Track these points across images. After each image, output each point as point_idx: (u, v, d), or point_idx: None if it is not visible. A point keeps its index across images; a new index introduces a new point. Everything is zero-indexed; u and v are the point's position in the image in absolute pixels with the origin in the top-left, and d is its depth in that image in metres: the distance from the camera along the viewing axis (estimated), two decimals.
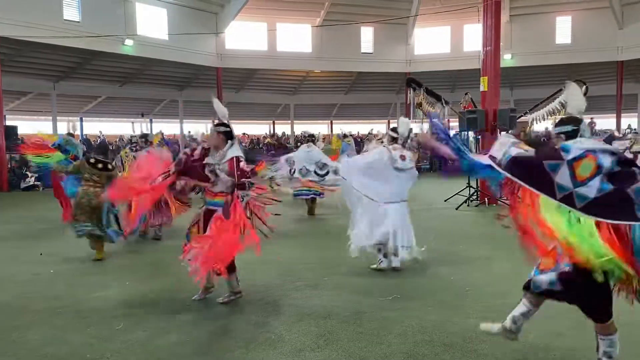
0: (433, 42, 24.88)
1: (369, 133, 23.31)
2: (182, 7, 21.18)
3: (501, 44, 12.24)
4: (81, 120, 24.70)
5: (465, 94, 14.48)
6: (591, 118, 26.40)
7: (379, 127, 26.42)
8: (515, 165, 3.09)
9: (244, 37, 23.46)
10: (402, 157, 5.85)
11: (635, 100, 24.23)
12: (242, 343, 3.79)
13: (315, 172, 9.56)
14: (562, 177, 2.99)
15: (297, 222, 9.49)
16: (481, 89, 12.00)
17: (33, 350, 3.72)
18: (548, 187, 3.00)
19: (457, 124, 13.67)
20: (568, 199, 2.96)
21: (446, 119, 24.74)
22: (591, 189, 2.93)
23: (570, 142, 3.13)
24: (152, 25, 20.34)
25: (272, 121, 29.82)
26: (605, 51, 21.62)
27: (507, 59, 21.15)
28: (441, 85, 21.07)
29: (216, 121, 4.79)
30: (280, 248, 6.95)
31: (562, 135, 3.26)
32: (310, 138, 10.75)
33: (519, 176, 3.08)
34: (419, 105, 11.94)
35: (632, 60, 21.73)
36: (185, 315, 4.42)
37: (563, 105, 12.26)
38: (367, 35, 24.72)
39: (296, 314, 4.36)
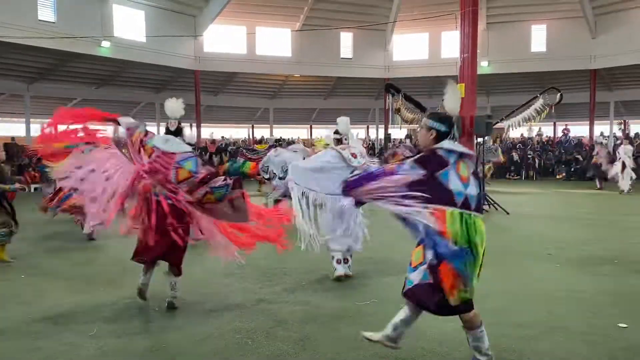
0: (411, 48, 25.12)
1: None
2: (160, 9, 20.99)
3: (478, 51, 12.38)
4: None
5: (443, 100, 14.65)
6: (565, 124, 26.99)
7: (359, 132, 26.53)
8: (410, 187, 3.06)
9: (222, 40, 23.37)
10: (354, 155, 5.81)
11: (608, 107, 24.77)
12: (219, 349, 3.75)
13: (279, 177, 9.67)
14: (454, 182, 3.05)
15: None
16: None
17: (4, 358, 3.63)
18: (447, 198, 3.02)
19: None
20: (465, 204, 3.03)
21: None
22: (473, 188, 3.08)
23: (445, 143, 3.14)
24: (129, 27, 20.12)
25: (251, 125, 29.72)
26: (579, 59, 22.09)
27: (484, 66, 21.44)
28: (419, 91, 21.26)
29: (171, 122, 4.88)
30: (258, 252, 6.92)
31: (433, 132, 3.23)
32: (278, 143, 10.83)
33: (422, 199, 3.03)
34: (398, 110, 12.04)
35: (605, 68, 22.23)
36: (160, 321, 4.36)
37: (538, 112, 12.52)
38: (346, 41, 24.84)
39: (274, 320, 4.33)
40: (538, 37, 23.22)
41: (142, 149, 4.66)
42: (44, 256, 6.99)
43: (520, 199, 13.76)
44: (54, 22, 17.68)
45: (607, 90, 24.11)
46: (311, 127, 30.54)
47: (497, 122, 12.56)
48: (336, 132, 6.10)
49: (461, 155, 3.14)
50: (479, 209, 3.07)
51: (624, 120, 26.07)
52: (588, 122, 23.18)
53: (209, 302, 4.84)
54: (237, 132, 29.45)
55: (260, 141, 24.14)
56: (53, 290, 5.28)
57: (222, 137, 26.16)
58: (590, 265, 6.20)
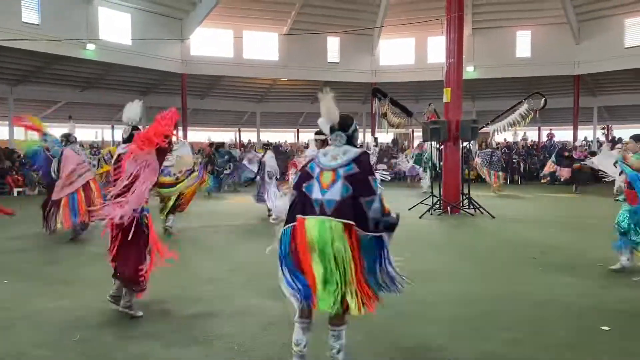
0: (398, 53, 25.24)
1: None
2: (146, 12, 20.88)
3: (464, 56, 12.49)
4: None
5: (429, 104, 14.73)
6: (550, 129, 27.29)
7: None
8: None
9: (209, 43, 23.30)
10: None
11: (591, 113, 25.10)
12: (205, 354, 3.72)
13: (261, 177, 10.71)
14: (315, 191, 3.25)
15: (260, 227, 9.42)
16: (444, 100, 12.21)
17: None
18: (309, 208, 3.23)
19: (421, 134, 13.87)
20: (322, 209, 3.19)
21: (410, 129, 25.25)
22: (334, 193, 3.21)
23: (320, 154, 3.42)
24: (115, 29, 19.98)
25: (238, 129, 29.65)
26: (563, 65, 22.37)
27: (469, 71, 21.63)
28: (405, 96, 21.38)
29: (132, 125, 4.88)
30: (245, 253, 6.90)
31: (319, 140, 3.59)
32: (267, 146, 12.13)
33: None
34: (384, 115, 12.08)
35: (588, 74, 22.54)
36: (145, 326, 4.31)
37: (523, 117, 12.63)
38: (333, 45, 24.90)
39: (260, 324, 4.31)
40: (523, 42, 23.48)
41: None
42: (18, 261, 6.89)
43: (506, 202, 13.87)
44: (38, 25, 17.50)
45: (591, 95, 24.44)
46: (298, 131, 30.53)
47: (483, 127, 12.66)
48: (319, 133, 5.94)
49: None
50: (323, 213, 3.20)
51: (607, 125, 26.46)
52: (572, 127, 23.47)
53: (194, 307, 4.80)
54: (221, 136, 29.37)
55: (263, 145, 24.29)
56: (35, 296, 5.20)
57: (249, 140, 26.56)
58: (574, 268, 6.26)
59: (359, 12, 23.42)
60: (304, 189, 3.29)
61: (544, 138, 27.58)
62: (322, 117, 3.56)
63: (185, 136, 22.34)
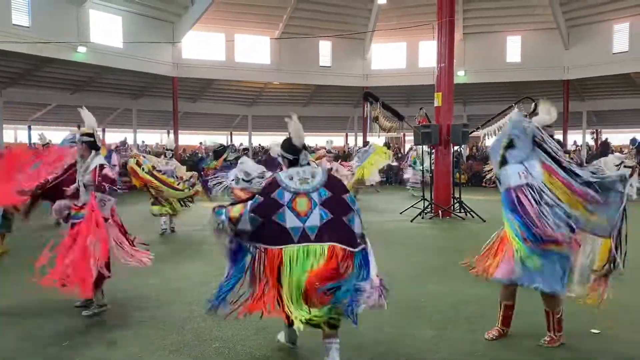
0: (389, 57, 25.32)
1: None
2: (138, 15, 20.81)
3: (455, 61, 12.57)
4: (29, 128, 23.88)
5: (420, 108, 14.78)
6: None
7: (338, 140, 26.64)
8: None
9: (201, 47, 23.25)
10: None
11: (580, 117, 25.31)
12: (196, 357, 3.72)
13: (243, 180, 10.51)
14: (290, 219, 3.25)
15: None
16: (435, 104, 12.28)
17: None
18: (286, 236, 3.24)
19: (412, 137, 13.93)
20: (304, 236, 3.22)
21: (402, 133, 25.32)
22: (314, 219, 3.25)
23: (283, 177, 3.42)
24: (106, 32, 19.88)
25: (229, 132, 29.61)
26: (553, 70, 22.55)
27: (460, 76, 21.74)
28: (397, 100, 21.45)
29: (83, 130, 4.91)
30: None
31: (285, 160, 3.62)
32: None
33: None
34: (376, 119, 12.11)
35: (577, 79, 22.73)
36: (136, 329, 4.29)
37: None
38: (325, 49, 24.93)
39: (252, 327, 4.30)
40: (513, 47, 23.63)
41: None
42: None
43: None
44: (28, 27, 17.37)
45: (580, 100, 24.64)
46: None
47: (473, 131, 12.73)
48: (288, 152, 6.39)
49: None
50: None
51: (597, 130, 26.70)
52: (562, 131, 23.64)
53: (185, 310, 4.79)
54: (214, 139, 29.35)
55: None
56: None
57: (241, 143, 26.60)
58: None
59: (350, 16, 23.49)
60: (275, 219, 3.26)
61: None
62: (293, 138, 3.62)
63: (176, 140, 22.28)
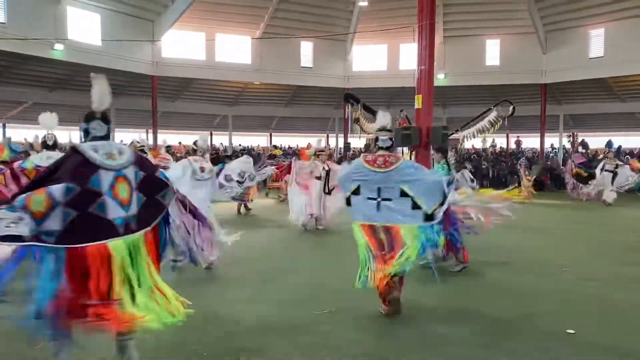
0: (370, 59, 25.43)
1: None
2: (116, 12, 20.54)
3: (435, 63, 12.64)
4: (4, 126, 23.42)
5: (401, 110, 14.85)
6: (517, 136, 27.89)
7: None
8: None
9: (181, 46, 23.05)
10: (202, 169, 6.38)
11: (557, 120, 25.73)
12: None
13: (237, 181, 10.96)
14: (112, 209, 2.90)
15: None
16: (416, 106, 12.33)
17: None
18: (108, 228, 2.89)
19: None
20: (127, 227, 2.96)
21: None
22: (134, 207, 3.02)
23: (87, 148, 2.96)
24: (84, 30, 19.59)
25: (209, 132, 29.41)
26: (531, 74, 22.88)
27: (440, 78, 21.95)
28: (378, 102, 21.47)
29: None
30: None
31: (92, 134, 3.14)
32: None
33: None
34: (357, 120, 12.15)
35: (554, 83, 23.11)
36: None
37: (492, 124, 12.86)
38: (306, 50, 24.94)
39: (229, 330, 4.27)
40: (492, 51, 23.92)
41: (20, 175, 4.69)
42: None
43: None
44: (4, 23, 17.04)
45: (557, 103, 25.05)
46: (271, 135, 30.50)
47: (453, 133, 12.84)
48: (194, 144, 6.89)
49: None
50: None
51: (573, 133, 27.19)
52: (539, 134, 24.02)
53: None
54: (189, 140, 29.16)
55: (275, 147, 24.18)
56: None
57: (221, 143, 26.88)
58: (542, 273, 6.40)
59: (332, 17, 23.53)
60: (93, 211, 2.81)
61: (512, 145, 28.18)
62: (94, 100, 3.19)
63: (155, 139, 22.05)
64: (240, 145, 27.76)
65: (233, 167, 11.98)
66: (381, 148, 4.67)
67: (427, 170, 4.92)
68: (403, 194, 4.39)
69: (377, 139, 4.73)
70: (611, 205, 14.14)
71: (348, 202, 4.61)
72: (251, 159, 12.29)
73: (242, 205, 12.26)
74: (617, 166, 14.59)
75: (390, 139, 4.72)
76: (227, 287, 5.66)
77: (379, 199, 4.43)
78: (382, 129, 4.76)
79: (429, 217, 4.35)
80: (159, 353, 3.81)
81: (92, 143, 3.01)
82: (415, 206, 4.37)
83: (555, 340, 4.08)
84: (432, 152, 8.02)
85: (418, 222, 4.35)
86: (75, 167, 2.87)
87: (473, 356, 3.79)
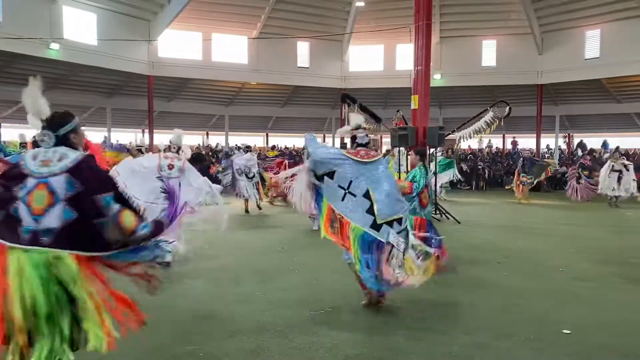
0: (367, 59, 25.41)
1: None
2: (113, 12, 20.48)
3: (431, 64, 12.67)
4: None
5: (397, 111, 14.90)
6: (513, 137, 27.95)
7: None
8: None
9: (177, 45, 23.00)
10: (170, 166, 6.45)
11: (553, 121, 25.79)
12: None
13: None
14: (24, 216, 2.63)
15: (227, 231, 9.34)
16: (412, 106, 12.37)
17: None
18: (16, 233, 2.61)
19: (389, 139, 14.02)
20: (35, 238, 2.61)
21: (379, 135, 25.46)
22: (52, 220, 2.63)
23: (28, 157, 2.80)
24: (80, 29, 19.52)
25: (205, 132, 29.38)
26: (527, 75, 22.91)
27: (436, 79, 21.95)
28: (374, 102, 21.56)
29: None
30: (208, 262, 6.81)
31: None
32: (247, 149, 13.22)
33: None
34: None
35: (550, 84, 23.16)
36: None
37: (488, 124, 12.91)
38: (303, 50, 24.92)
39: (226, 330, 4.27)
40: (488, 52, 23.94)
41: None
42: None
43: (471, 208, 14.11)
44: None
45: (553, 104, 25.11)
46: (267, 135, 30.46)
47: (449, 134, 12.87)
48: (170, 141, 6.91)
49: None
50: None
51: (569, 134, 27.27)
52: (535, 135, 24.07)
53: (158, 314, 4.72)
54: (190, 140, 29.09)
55: (273, 147, 24.13)
56: None
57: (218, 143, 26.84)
58: (537, 273, 6.42)
59: (329, 17, 23.51)
60: (11, 212, 2.63)
61: (508, 145, 28.25)
62: (27, 110, 3.07)
63: (151, 139, 22.00)
64: (236, 145, 27.71)
65: (241, 164, 12.38)
66: (360, 145, 4.85)
67: (394, 180, 5.11)
68: (366, 195, 4.53)
69: (354, 137, 4.91)
70: (618, 207, 14.01)
71: (319, 178, 4.64)
72: (255, 156, 12.72)
73: (258, 202, 12.69)
74: (625, 166, 14.35)
75: (367, 135, 4.93)
76: (223, 287, 5.65)
77: (347, 191, 4.56)
78: (358, 127, 4.97)
79: (376, 227, 4.49)
80: (155, 353, 3.80)
81: (36, 150, 2.88)
82: (370, 211, 4.50)
83: (551, 340, 4.09)
84: (410, 153, 8.04)
85: (365, 227, 4.50)
86: (8, 173, 2.84)
87: (468, 356, 3.79)
